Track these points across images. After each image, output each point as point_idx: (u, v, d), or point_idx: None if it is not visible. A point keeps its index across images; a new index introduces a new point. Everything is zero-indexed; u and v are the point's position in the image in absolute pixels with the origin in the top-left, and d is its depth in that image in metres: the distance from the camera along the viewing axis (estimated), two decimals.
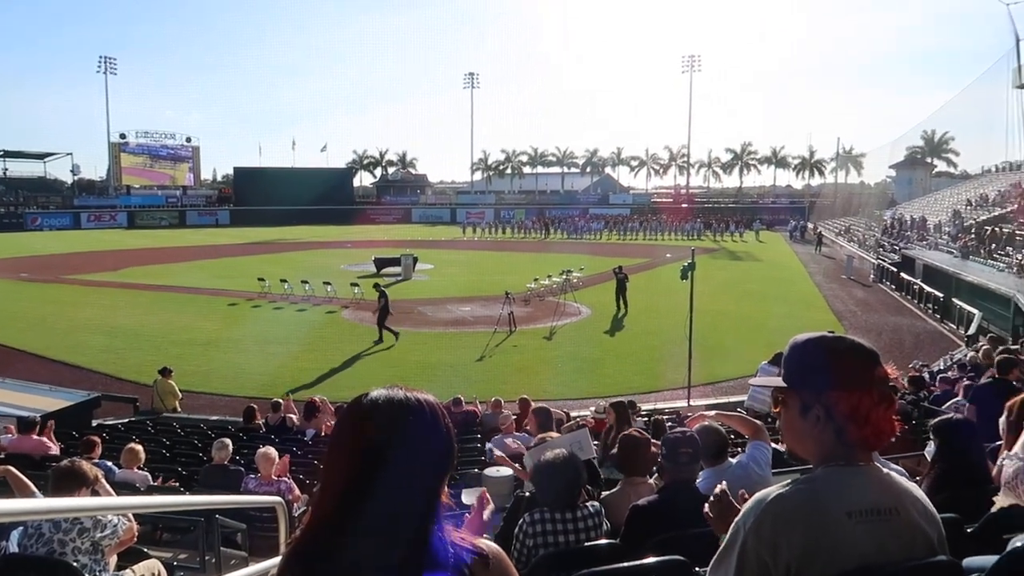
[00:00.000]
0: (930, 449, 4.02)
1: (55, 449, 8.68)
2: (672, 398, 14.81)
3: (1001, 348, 10.48)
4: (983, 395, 6.21)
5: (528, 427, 7.29)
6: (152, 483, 7.15)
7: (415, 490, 1.32)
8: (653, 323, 21.59)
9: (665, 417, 10.33)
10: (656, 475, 4.50)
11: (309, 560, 1.34)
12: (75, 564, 3.56)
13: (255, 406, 11.49)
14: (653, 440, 4.62)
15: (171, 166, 79.84)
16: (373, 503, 1.30)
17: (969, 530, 2.80)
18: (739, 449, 4.79)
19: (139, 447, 7.41)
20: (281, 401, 11.44)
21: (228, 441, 7.55)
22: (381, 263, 33.73)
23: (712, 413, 4.29)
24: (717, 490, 2.06)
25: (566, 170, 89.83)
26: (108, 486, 4.38)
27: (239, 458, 8.14)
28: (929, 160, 70.39)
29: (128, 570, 3.95)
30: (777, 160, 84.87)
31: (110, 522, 3.77)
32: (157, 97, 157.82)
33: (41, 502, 3.32)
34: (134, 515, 4.07)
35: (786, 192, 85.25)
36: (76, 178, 79.38)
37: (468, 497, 5.62)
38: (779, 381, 1.72)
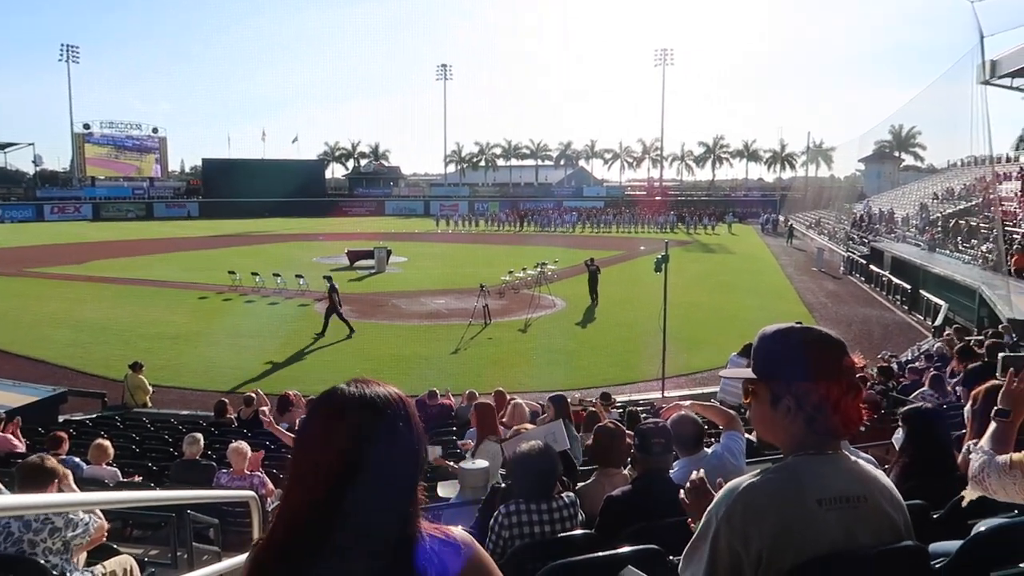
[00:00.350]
0: (898, 436, 4.09)
1: (20, 446, 8.52)
2: (647, 389, 14.93)
3: (968, 338, 10.69)
4: (976, 379, 6.32)
5: (472, 422, 7.25)
6: (121, 479, 7.05)
7: (396, 488, 1.30)
8: (628, 315, 21.72)
9: (640, 408, 10.42)
10: (630, 466, 4.54)
11: (284, 565, 1.30)
12: (45, 564, 3.50)
13: (226, 400, 11.38)
14: (628, 431, 4.65)
15: (137, 157, 78.30)
16: (353, 504, 1.26)
17: (936, 516, 2.87)
18: (712, 440, 4.84)
19: (107, 443, 7.29)
20: (253, 395, 11.34)
21: (199, 436, 7.47)
22: (354, 256, 33.53)
23: (688, 403, 4.32)
24: (694, 476, 2.08)
25: (540, 163, 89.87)
26: (74, 485, 4.29)
27: (211, 453, 8.06)
28: (897, 154, 71.56)
29: (99, 565, 3.89)
30: (749, 153, 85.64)
31: (82, 520, 3.71)
32: (122, 87, 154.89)
33: (8, 499, 3.25)
34: (103, 511, 4.01)
35: (758, 185, 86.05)
36: (38, 169, 77.47)
37: (444, 490, 5.62)
38: (749, 373, 1.73)
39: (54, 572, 3.52)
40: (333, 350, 18.11)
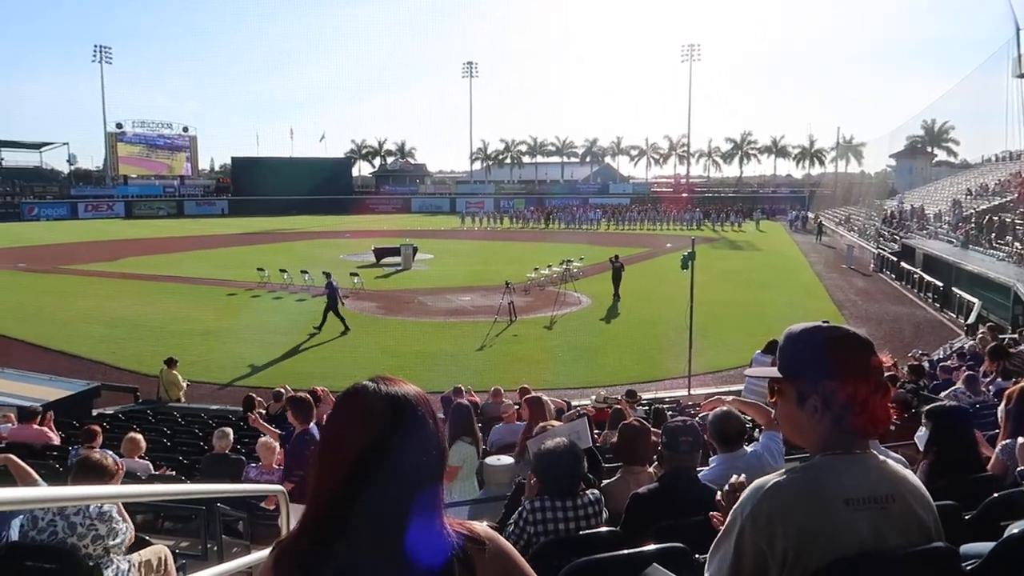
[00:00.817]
0: (920, 434, 4.02)
1: (56, 439, 8.71)
2: (672, 387, 14.86)
3: (1002, 337, 10.49)
4: None
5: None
6: (153, 472, 7.18)
7: (418, 484, 1.31)
8: (653, 312, 21.61)
9: (666, 406, 10.37)
10: (656, 464, 4.52)
11: (303, 557, 1.31)
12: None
13: (254, 395, 11.50)
14: (653, 429, 4.63)
15: (168, 155, 79.57)
16: (374, 499, 1.27)
17: (967, 517, 2.82)
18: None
19: (139, 436, 7.42)
20: (283, 391, 11.45)
21: (229, 430, 7.56)
22: (381, 253, 33.74)
23: (730, 399, 4.23)
24: (734, 479, 2.06)
25: (566, 159, 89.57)
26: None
27: (240, 447, 8.17)
28: (929, 149, 70.24)
29: (135, 554, 3.97)
30: (777, 149, 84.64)
31: (121, 530, 3.78)
32: (153, 86, 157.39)
33: (44, 490, 3.33)
34: (135, 503, 4.07)
35: (786, 181, 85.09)
36: (73, 168, 79.11)
37: (468, 487, 5.64)
38: (775, 371, 1.72)
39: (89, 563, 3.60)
40: (359, 346, 18.24)
